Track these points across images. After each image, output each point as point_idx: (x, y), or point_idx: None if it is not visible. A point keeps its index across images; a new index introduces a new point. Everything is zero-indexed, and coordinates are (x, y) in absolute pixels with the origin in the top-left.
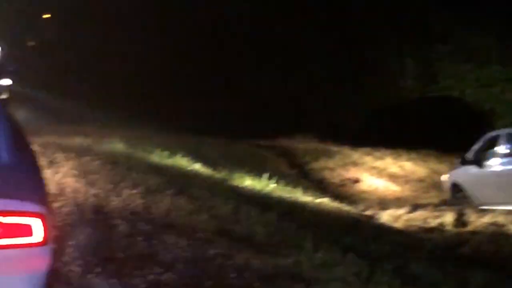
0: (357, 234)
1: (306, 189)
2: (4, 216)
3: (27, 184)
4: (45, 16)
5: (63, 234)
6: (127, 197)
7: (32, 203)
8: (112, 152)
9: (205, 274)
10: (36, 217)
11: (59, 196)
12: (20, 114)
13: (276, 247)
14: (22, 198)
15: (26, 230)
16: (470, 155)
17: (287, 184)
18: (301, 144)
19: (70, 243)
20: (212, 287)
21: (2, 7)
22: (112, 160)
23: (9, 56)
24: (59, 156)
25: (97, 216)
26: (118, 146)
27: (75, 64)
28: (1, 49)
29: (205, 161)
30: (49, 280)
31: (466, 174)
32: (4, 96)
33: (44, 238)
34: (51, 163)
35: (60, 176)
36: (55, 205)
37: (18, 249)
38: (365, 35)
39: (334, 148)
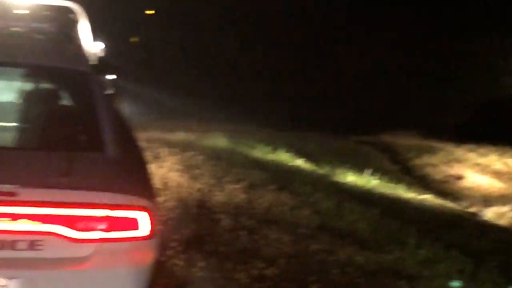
0: (460, 231)
1: (408, 186)
2: (111, 209)
3: (134, 178)
4: (148, 12)
5: (168, 228)
6: (230, 191)
7: (139, 197)
8: (215, 147)
9: (307, 270)
10: (143, 211)
11: (163, 191)
12: (126, 109)
13: (378, 243)
14: (129, 192)
15: (133, 224)
16: None
17: (389, 180)
18: (403, 140)
19: (174, 237)
20: (315, 283)
21: (106, 3)
22: (215, 155)
23: (113, 52)
24: (163, 151)
25: (200, 211)
26: (221, 141)
27: (178, 60)
28: (104, 45)
29: (307, 157)
30: (154, 273)
31: None
32: (110, 92)
33: (150, 231)
34: (156, 158)
35: (165, 170)
36: (160, 199)
37: (124, 242)
38: (468, 28)
39: (437, 145)
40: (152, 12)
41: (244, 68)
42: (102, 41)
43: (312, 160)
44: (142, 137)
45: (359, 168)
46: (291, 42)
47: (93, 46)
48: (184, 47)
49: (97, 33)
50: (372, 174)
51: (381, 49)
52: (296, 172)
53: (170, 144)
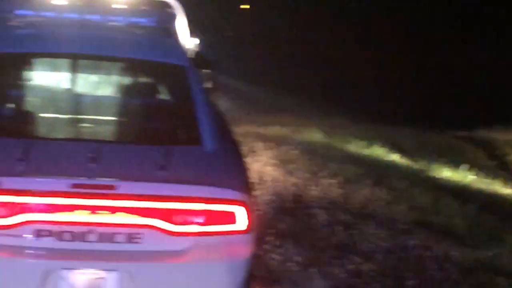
0: None
1: (506, 182)
2: (209, 203)
3: (231, 172)
4: (243, 6)
5: (264, 222)
6: (326, 186)
7: (236, 191)
8: (310, 141)
9: (404, 265)
10: (240, 205)
11: (259, 185)
12: (222, 103)
13: (476, 239)
14: (226, 186)
15: (230, 218)
16: None
17: (486, 176)
18: (501, 135)
19: (270, 231)
20: (412, 278)
21: None
22: (310, 150)
23: (209, 46)
24: (258, 145)
25: (296, 205)
26: (316, 135)
27: (272, 54)
28: (200, 40)
29: (403, 151)
30: (250, 267)
31: None
32: (207, 86)
33: (247, 225)
34: (251, 152)
35: (260, 165)
36: (255, 193)
37: (221, 236)
38: None
39: None
40: (247, 6)
41: (339, 62)
42: (197, 36)
43: (408, 155)
44: (238, 131)
45: (455, 163)
46: (383, 36)
47: (189, 41)
48: (278, 41)
49: (193, 28)
50: (469, 169)
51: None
52: (391, 166)
53: (265, 138)
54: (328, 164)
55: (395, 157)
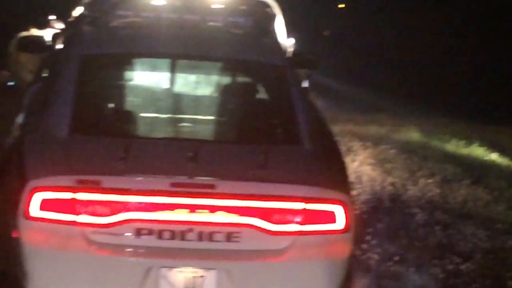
0: None
1: None
2: (308, 202)
3: (330, 172)
4: (340, 6)
5: (362, 221)
6: (424, 186)
7: (335, 191)
8: (408, 140)
9: (504, 265)
10: (339, 204)
11: (356, 184)
12: (319, 102)
13: None
14: (326, 186)
15: (330, 217)
16: None
17: None
18: None
19: (368, 230)
20: None
21: None
22: (408, 149)
23: (305, 45)
24: (356, 144)
25: (393, 205)
26: (413, 134)
27: (368, 53)
28: (295, 40)
29: (502, 150)
30: (349, 267)
31: None
32: (305, 85)
33: (345, 225)
34: (348, 151)
35: (357, 164)
36: (353, 193)
37: (320, 235)
38: None
39: None
40: (343, 5)
41: (437, 62)
42: (293, 36)
43: (507, 154)
44: (335, 130)
45: None
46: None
47: (287, 41)
48: (375, 40)
49: (290, 27)
50: None
51: None
52: (490, 166)
53: (362, 138)
54: (425, 163)
55: (494, 156)
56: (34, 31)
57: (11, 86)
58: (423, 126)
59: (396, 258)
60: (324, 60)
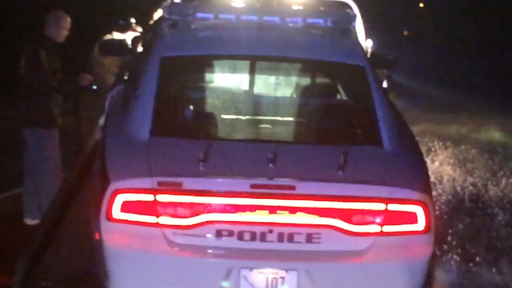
0: None
1: None
2: (389, 203)
3: (411, 172)
4: (421, 5)
5: (443, 222)
6: (505, 186)
7: (417, 191)
8: (489, 140)
9: None
10: (420, 205)
11: (437, 185)
12: (398, 102)
13: None
14: (407, 186)
15: (411, 218)
16: None
17: None
18: None
19: (449, 231)
20: None
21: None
22: (489, 149)
23: (385, 45)
24: (436, 144)
25: (474, 205)
26: (495, 134)
27: (449, 52)
28: (373, 41)
29: None
30: (430, 267)
31: None
32: (384, 85)
33: (426, 225)
34: (429, 151)
35: (438, 164)
36: (434, 193)
37: (401, 236)
38: None
39: None
40: (422, 5)
41: None
42: (373, 36)
43: None
44: (414, 131)
45: None
46: None
47: (366, 41)
48: (454, 39)
49: (370, 27)
50: None
51: None
52: None
53: (442, 138)
54: (507, 163)
55: None
56: (116, 34)
57: (94, 89)
58: (505, 126)
59: (477, 259)
60: (403, 59)
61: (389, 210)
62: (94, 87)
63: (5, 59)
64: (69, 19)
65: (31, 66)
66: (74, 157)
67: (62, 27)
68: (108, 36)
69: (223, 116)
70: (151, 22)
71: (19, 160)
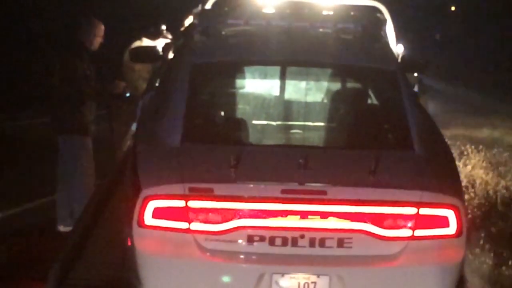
0: None
1: None
2: (420, 207)
3: (443, 176)
4: (452, 8)
5: (475, 225)
6: None
7: (448, 195)
8: None
9: None
10: (452, 209)
11: (469, 188)
12: (429, 106)
13: None
14: (438, 190)
15: (443, 222)
16: None
17: None
18: None
19: (481, 235)
20: None
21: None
22: None
23: (417, 49)
24: (468, 148)
25: (507, 209)
26: None
27: (481, 55)
28: (404, 46)
29: None
30: (462, 271)
31: None
32: (415, 90)
33: (458, 229)
34: (461, 155)
35: (470, 168)
36: (466, 197)
37: (433, 240)
38: None
39: None
40: (454, 8)
41: None
42: (404, 41)
43: None
44: (446, 134)
45: None
46: None
47: (396, 46)
48: (487, 42)
49: (402, 31)
50: None
51: None
52: None
53: (474, 141)
54: None
55: None
56: (146, 41)
57: (127, 97)
58: None
59: (510, 262)
60: (435, 63)
61: (420, 214)
62: (127, 94)
63: (40, 67)
64: (103, 27)
65: (66, 73)
66: (107, 165)
67: (96, 35)
68: (137, 43)
69: (254, 121)
70: (182, 28)
71: (53, 167)
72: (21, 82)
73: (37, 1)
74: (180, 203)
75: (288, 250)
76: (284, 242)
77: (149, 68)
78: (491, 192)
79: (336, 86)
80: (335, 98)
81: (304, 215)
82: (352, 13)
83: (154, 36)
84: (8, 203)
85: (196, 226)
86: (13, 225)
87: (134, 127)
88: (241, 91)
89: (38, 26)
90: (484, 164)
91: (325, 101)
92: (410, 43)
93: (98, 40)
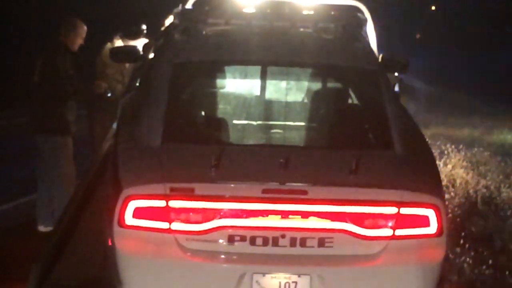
0: None
1: None
2: (401, 207)
3: (423, 176)
4: (433, 8)
5: (455, 225)
6: None
7: (428, 194)
8: (502, 143)
9: None
10: (433, 208)
11: (449, 188)
12: (409, 106)
13: None
14: (419, 190)
15: (423, 221)
16: None
17: None
18: None
19: (462, 234)
20: None
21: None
22: (502, 151)
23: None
24: (448, 147)
25: (487, 208)
26: (508, 136)
27: (459, 54)
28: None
29: None
30: (442, 270)
31: None
32: (396, 89)
33: (438, 229)
34: (441, 154)
35: (450, 167)
36: (446, 196)
37: (414, 240)
38: None
39: None
40: (433, 8)
41: None
42: (383, 42)
43: None
44: (426, 134)
45: None
46: None
47: (377, 45)
48: (466, 41)
49: (382, 31)
50: None
51: None
52: None
53: (454, 141)
54: None
55: None
56: (118, 42)
57: (108, 97)
58: None
59: (490, 261)
60: (415, 63)
61: (401, 214)
62: (109, 94)
63: (18, 66)
64: (85, 28)
65: (47, 72)
66: (87, 164)
67: (78, 35)
68: (110, 44)
69: (235, 121)
70: (163, 28)
71: (33, 167)
72: (1, 81)
73: (20, 1)
74: (161, 203)
75: (269, 249)
76: (265, 241)
77: (122, 70)
78: (471, 191)
79: (317, 86)
80: (315, 98)
81: (285, 214)
82: (332, 12)
83: (134, 36)
84: None
85: (177, 226)
86: None
87: (115, 126)
88: (221, 91)
89: (21, 26)
90: (464, 164)
91: (306, 101)
92: (391, 42)
93: (78, 41)
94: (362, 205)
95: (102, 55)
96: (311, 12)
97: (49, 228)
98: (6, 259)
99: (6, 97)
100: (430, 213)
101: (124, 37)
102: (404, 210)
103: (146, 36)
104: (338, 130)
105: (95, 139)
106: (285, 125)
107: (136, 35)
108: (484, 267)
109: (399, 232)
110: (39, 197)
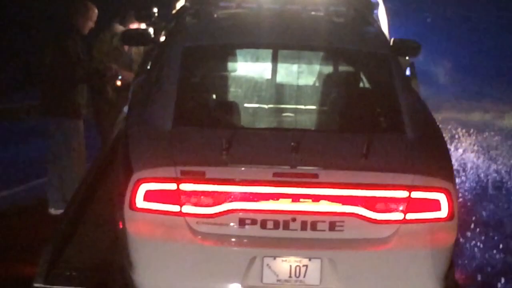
0: None
1: None
2: (412, 191)
3: (434, 160)
4: None
5: (466, 209)
6: None
7: (439, 179)
8: None
9: None
10: (444, 192)
11: (460, 172)
12: (422, 90)
13: None
14: (430, 174)
15: (434, 205)
16: None
17: None
18: None
19: (472, 218)
20: None
21: None
22: None
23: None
24: (459, 131)
25: (498, 192)
26: None
27: (471, 38)
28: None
29: None
30: (453, 254)
31: None
32: (407, 73)
33: (449, 213)
34: (452, 138)
35: (461, 151)
36: (457, 180)
37: (425, 224)
38: None
39: None
40: None
41: None
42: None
43: None
44: (438, 118)
45: None
46: None
47: (388, 29)
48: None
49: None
50: None
51: None
52: None
53: (465, 125)
54: None
55: None
56: (119, 28)
57: (119, 79)
58: None
59: (501, 246)
60: (426, 46)
61: (412, 198)
62: (120, 77)
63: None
64: (96, 11)
65: (58, 56)
66: (98, 147)
67: (89, 19)
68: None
69: (246, 105)
70: (174, 11)
71: (44, 150)
72: (14, 64)
73: None
74: (172, 186)
75: (280, 233)
76: (276, 225)
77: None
78: (482, 175)
79: (328, 69)
80: (327, 81)
81: (295, 198)
82: None
83: (145, 19)
84: None
85: (187, 209)
86: (4, 208)
87: (125, 109)
88: (232, 74)
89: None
90: (475, 148)
91: (317, 84)
92: (402, 26)
93: (89, 24)
94: (373, 189)
95: (101, 41)
96: None
97: (60, 211)
98: (17, 241)
99: (18, 80)
100: (441, 197)
101: (136, 20)
102: (415, 194)
103: (157, 19)
104: (349, 113)
105: (101, 122)
106: (296, 108)
107: (148, 18)
108: (494, 251)
109: (410, 216)
110: (50, 180)
